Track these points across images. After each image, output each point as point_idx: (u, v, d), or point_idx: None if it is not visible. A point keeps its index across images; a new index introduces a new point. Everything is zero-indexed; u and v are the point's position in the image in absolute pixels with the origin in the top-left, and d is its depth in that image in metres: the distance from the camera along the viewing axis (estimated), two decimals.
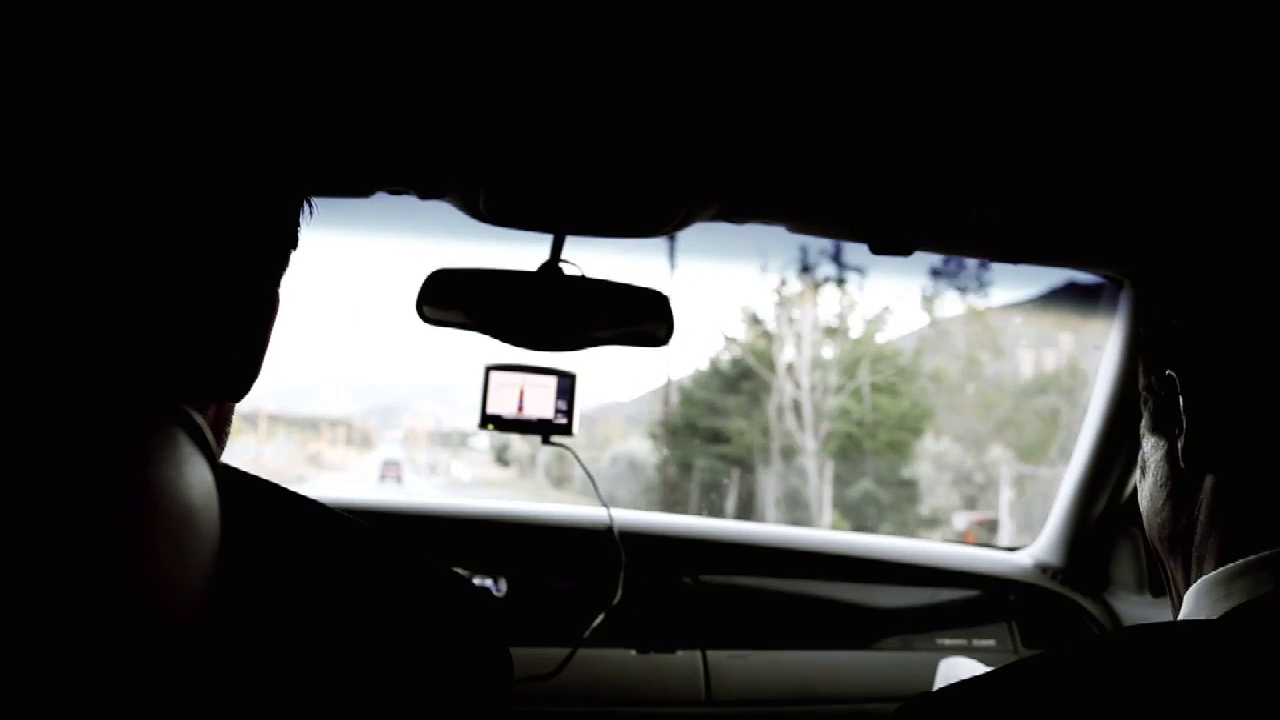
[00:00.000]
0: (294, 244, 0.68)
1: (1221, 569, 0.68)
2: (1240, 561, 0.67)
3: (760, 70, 1.08)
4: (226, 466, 0.60)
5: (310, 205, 0.70)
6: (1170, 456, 0.73)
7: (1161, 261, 0.80)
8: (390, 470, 28.94)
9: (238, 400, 0.67)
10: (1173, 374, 0.71)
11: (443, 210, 1.49)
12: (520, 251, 1.60)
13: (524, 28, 1.00)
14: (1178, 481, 0.73)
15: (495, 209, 1.45)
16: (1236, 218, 0.73)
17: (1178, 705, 0.55)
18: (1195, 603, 0.70)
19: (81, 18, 0.53)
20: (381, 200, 1.48)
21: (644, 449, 23.11)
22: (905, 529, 16.06)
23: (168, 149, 0.55)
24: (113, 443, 0.44)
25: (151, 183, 0.54)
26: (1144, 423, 0.78)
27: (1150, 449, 0.77)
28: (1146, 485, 0.77)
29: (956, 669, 1.88)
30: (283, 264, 0.67)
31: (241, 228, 0.61)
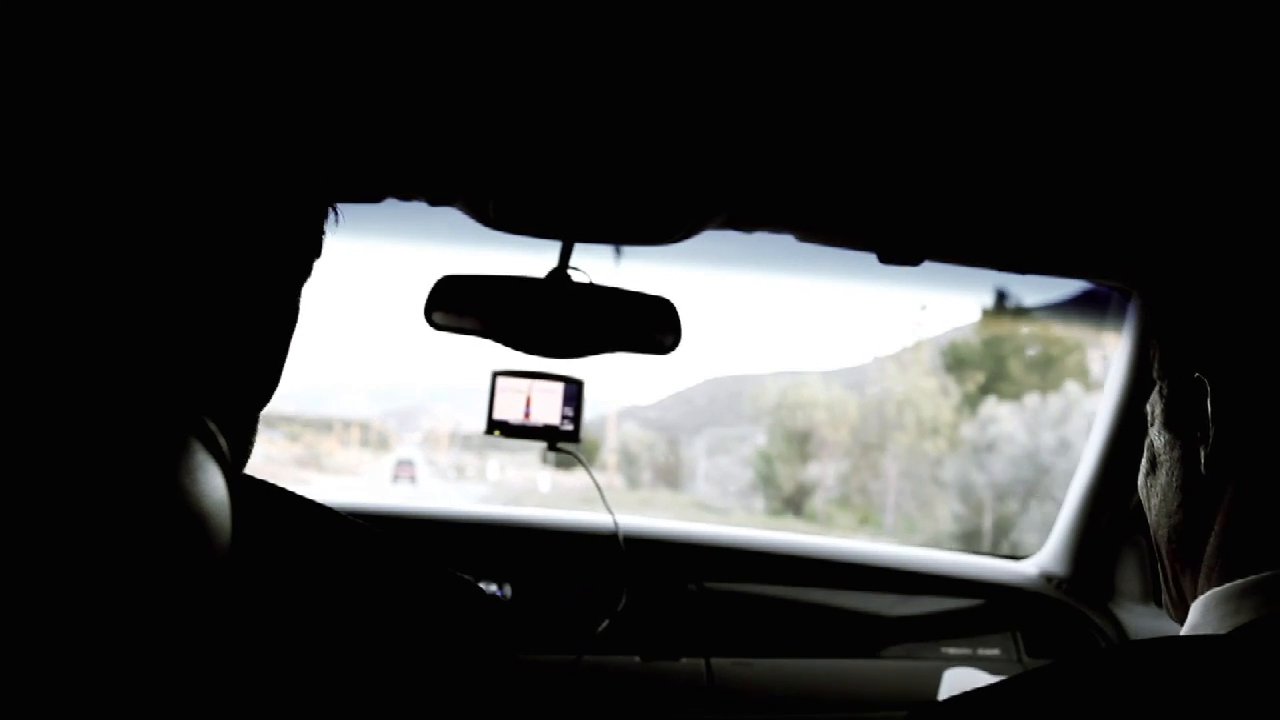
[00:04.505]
0: (318, 252, 0.68)
1: (1232, 583, 0.67)
2: (1252, 578, 0.66)
3: (769, 79, 1.08)
4: (241, 474, 0.61)
5: (336, 212, 0.69)
6: (1188, 460, 0.71)
7: (1174, 270, 0.77)
8: (404, 470, 28.50)
9: (258, 409, 0.68)
10: (1201, 378, 0.69)
11: (453, 216, 1.50)
12: (529, 258, 1.61)
13: (535, 35, 1.01)
14: (1195, 487, 0.71)
15: (504, 215, 1.45)
16: (1258, 223, 0.72)
17: None
18: (1203, 616, 0.69)
19: (102, 34, 0.53)
20: (392, 206, 1.49)
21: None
22: None
23: (191, 159, 0.55)
24: (129, 452, 0.45)
25: (175, 193, 0.55)
26: (1157, 416, 0.76)
27: (1163, 446, 0.75)
28: (1159, 484, 0.76)
29: (962, 680, 1.88)
30: (305, 272, 0.67)
31: (265, 236, 0.61)
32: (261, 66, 0.63)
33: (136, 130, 0.53)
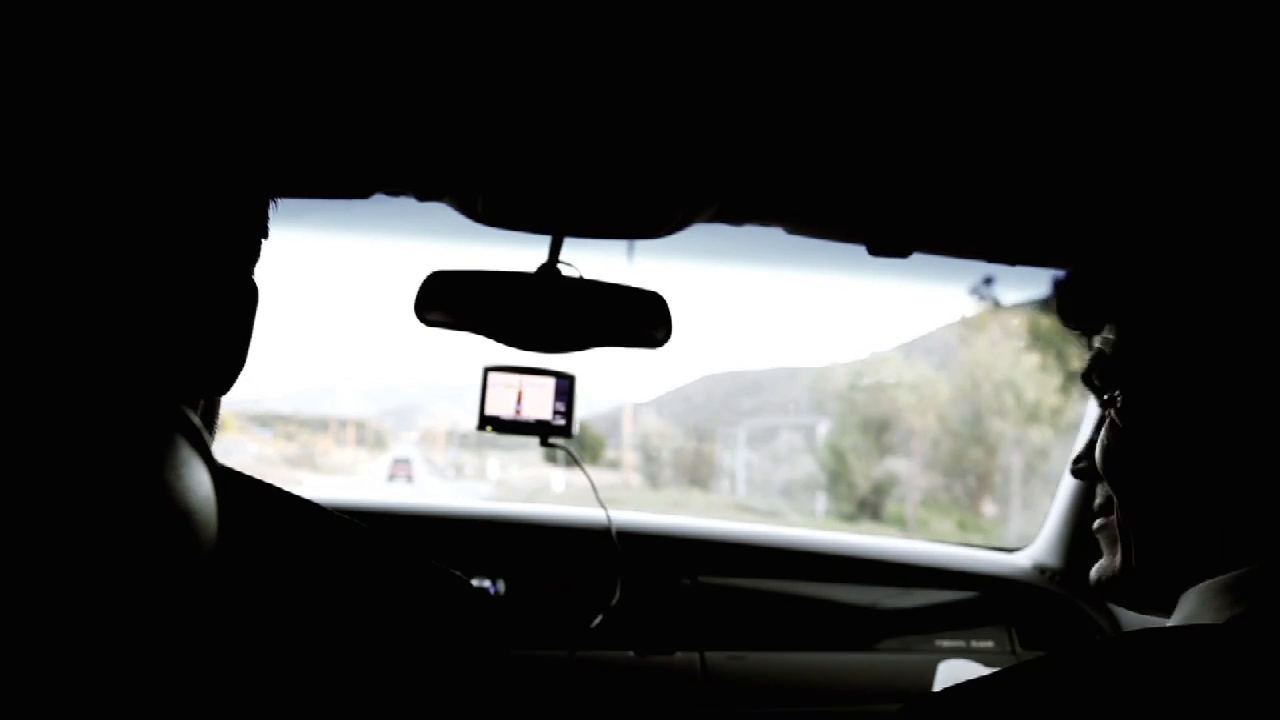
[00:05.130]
0: (264, 233, 0.68)
1: (1226, 575, 0.66)
2: (1246, 570, 0.65)
3: (758, 71, 1.08)
4: (225, 468, 0.61)
5: (275, 199, 0.70)
6: (1178, 447, 0.70)
7: (1163, 260, 0.77)
8: (400, 469, 27.62)
9: (224, 392, 0.68)
10: (1199, 367, 0.68)
11: (442, 212, 1.50)
12: (519, 253, 1.61)
13: (522, 28, 1.01)
14: (1189, 477, 0.70)
15: (493, 210, 1.45)
16: (1255, 216, 0.71)
17: (1184, 712, 0.55)
18: (1199, 606, 0.68)
19: (79, 17, 0.53)
20: (382, 203, 1.49)
21: None
22: None
23: (141, 147, 0.55)
24: (113, 449, 0.45)
25: (124, 180, 0.54)
26: (1142, 400, 0.73)
27: (1151, 432, 0.72)
28: (1146, 471, 0.73)
29: (957, 672, 1.88)
30: (255, 253, 0.67)
31: (213, 219, 0.61)
32: (231, 57, 0.63)
33: (93, 125, 0.53)
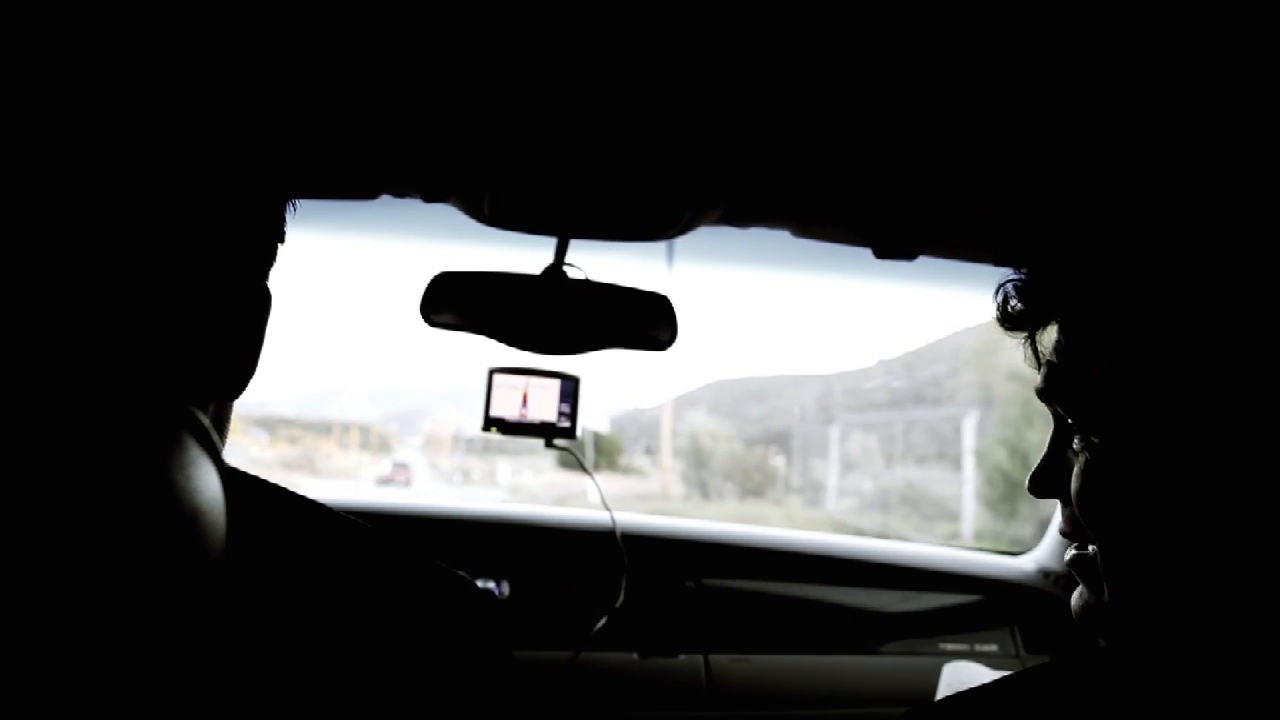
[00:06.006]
0: (281, 238, 0.68)
1: (1220, 591, 0.64)
2: (1242, 581, 0.63)
3: (765, 74, 1.08)
4: (233, 469, 0.61)
5: (294, 203, 0.70)
6: (1175, 485, 0.66)
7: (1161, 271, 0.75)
8: (399, 474, 25.54)
9: (234, 397, 0.68)
10: (1190, 382, 0.63)
11: (448, 213, 1.50)
12: (525, 254, 1.61)
13: (529, 31, 1.01)
14: (1188, 515, 0.65)
15: (499, 212, 1.45)
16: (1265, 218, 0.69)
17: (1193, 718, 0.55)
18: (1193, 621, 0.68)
19: (82, 17, 0.53)
20: (388, 204, 1.49)
21: None
22: None
23: (157, 150, 0.55)
24: (121, 449, 0.45)
25: (141, 183, 0.54)
26: (1125, 414, 0.68)
27: (1137, 447, 0.67)
28: (1130, 491, 0.68)
29: (962, 674, 1.88)
30: (270, 258, 0.67)
31: (229, 223, 0.61)
32: (243, 60, 0.63)
33: (110, 126, 0.53)
